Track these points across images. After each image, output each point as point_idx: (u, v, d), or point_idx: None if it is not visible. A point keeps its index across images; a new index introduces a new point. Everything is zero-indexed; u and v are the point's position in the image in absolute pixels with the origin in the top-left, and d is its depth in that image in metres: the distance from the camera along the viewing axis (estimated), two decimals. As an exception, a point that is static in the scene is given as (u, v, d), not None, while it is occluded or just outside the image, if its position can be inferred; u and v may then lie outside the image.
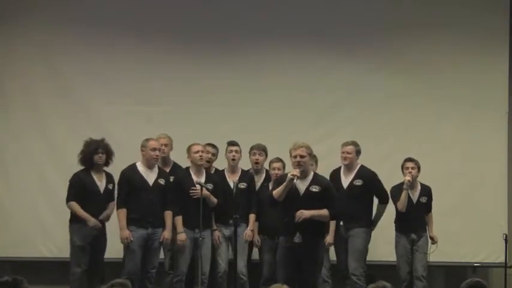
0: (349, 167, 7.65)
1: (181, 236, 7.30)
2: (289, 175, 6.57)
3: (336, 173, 7.73)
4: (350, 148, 7.62)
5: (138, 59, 8.57)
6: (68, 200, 7.22)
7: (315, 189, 6.66)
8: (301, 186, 6.66)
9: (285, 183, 6.56)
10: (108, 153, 7.30)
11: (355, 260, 7.45)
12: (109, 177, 7.35)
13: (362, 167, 7.66)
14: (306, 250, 6.59)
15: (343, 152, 7.65)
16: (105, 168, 7.38)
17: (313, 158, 7.61)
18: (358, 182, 7.57)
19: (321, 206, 6.62)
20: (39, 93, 8.52)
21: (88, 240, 7.14)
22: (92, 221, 7.12)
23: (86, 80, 8.56)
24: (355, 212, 7.49)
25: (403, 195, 7.54)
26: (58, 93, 8.52)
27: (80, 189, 7.20)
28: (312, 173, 6.79)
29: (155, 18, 8.60)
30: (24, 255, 8.36)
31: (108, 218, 7.35)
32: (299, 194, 6.65)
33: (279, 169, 7.59)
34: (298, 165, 6.59)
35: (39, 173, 8.34)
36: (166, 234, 7.27)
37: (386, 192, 7.67)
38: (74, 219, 7.21)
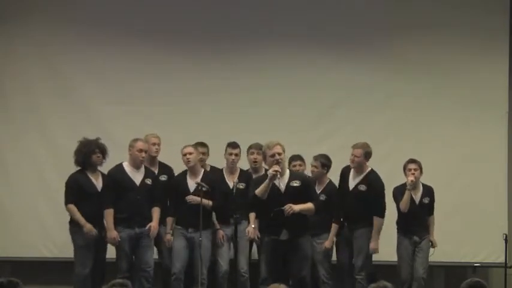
0: (357, 170, 7.53)
1: (166, 237, 7.36)
2: (270, 171, 6.61)
3: (346, 170, 7.63)
4: (358, 151, 7.45)
5: (138, 59, 8.58)
6: (66, 202, 7.19)
7: (295, 183, 6.71)
8: (281, 183, 6.70)
9: (267, 181, 6.62)
10: (104, 153, 7.28)
11: (361, 260, 7.43)
12: (105, 176, 7.32)
13: (371, 172, 7.50)
14: (292, 247, 6.62)
15: (351, 154, 7.52)
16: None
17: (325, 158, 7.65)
18: (362, 188, 7.47)
19: (304, 201, 6.67)
20: (39, 93, 8.52)
21: (91, 241, 7.12)
22: (87, 227, 7.07)
23: (86, 80, 8.57)
24: (359, 212, 7.42)
25: (406, 195, 7.50)
26: (58, 93, 8.53)
27: (78, 191, 7.17)
28: (288, 170, 6.84)
29: (155, 18, 8.60)
30: (24, 255, 8.36)
31: None
32: (281, 191, 6.68)
33: None
34: (277, 163, 6.62)
35: (39, 173, 8.34)
36: (154, 224, 7.25)
37: (384, 205, 7.47)
38: (75, 220, 7.19)
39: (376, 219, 7.42)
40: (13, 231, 8.37)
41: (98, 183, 7.26)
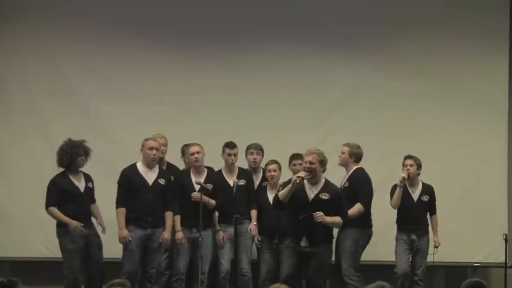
0: (346, 170, 7.57)
1: (179, 235, 7.32)
2: (294, 177, 6.59)
3: None
4: (344, 149, 7.54)
5: (138, 59, 8.58)
6: (47, 205, 7.12)
7: (324, 196, 6.67)
8: (311, 192, 6.69)
9: (289, 185, 6.59)
10: (87, 156, 7.23)
11: (345, 260, 7.40)
12: (87, 177, 7.29)
13: (356, 170, 7.50)
14: (312, 254, 6.62)
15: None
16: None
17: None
18: (346, 184, 7.47)
19: (329, 213, 6.63)
20: (39, 93, 8.51)
21: (80, 243, 7.06)
22: (73, 223, 7.01)
23: (86, 79, 8.56)
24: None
25: (397, 192, 7.52)
26: (58, 93, 8.52)
27: (60, 194, 7.09)
28: (323, 180, 6.77)
29: (155, 18, 8.60)
30: (24, 255, 8.37)
31: (103, 223, 7.34)
32: (308, 199, 6.66)
33: (274, 171, 7.61)
34: (306, 171, 6.63)
35: (39, 173, 8.29)
36: (166, 235, 7.26)
37: (367, 195, 7.39)
38: (61, 223, 7.12)
39: (358, 204, 7.27)
40: (13, 231, 8.36)
41: (81, 183, 7.20)
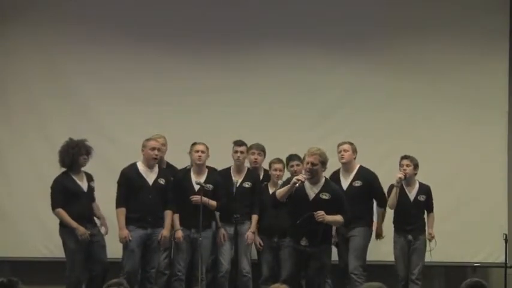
0: (347, 167, 7.61)
1: (177, 233, 7.35)
2: (294, 179, 6.59)
3: (335, 175, 7.68)
4: (346, 146, 7.60)
5: (138, 59, 8.58)
6: (54, 207, 7.11)
7: (324, 196, 6.67)
8: (311, 192, 6.68)
9: (288, 186, 6.59)
10: (89, 155, 7.23)
11: (355, 258, 7.45)
12: (89, 176, 7.30)
13: (361, 167, 7.64)
14: (312, 254, 6.61)
15: (339, 152, 7.62)
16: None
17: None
18: (358, 183, 7.53)
19: (330, 213, 6.62)
20: (39, 93, 8.52)
21: (85, 243, 7.06)
22: (80, 230, 7.00)
23: (85, 80, 8.57)
24: (355, 212, 7.40)
25: (393, 192, 7.52)
26: (58, 93, 8.52)
27: (65, 193, 7.09)
28: (323, 180, 6.77)
29: (155, 18, 8.60)
30: (24, 255, 8.37)
31: (106, 225, 7.35)
32: (308, 199, 6.65)
33: (280, 170, 7.62)
34: (307, 171, 6.61)
35: (39, 173, 8.31)
36: (165, 232, 7.27)
37: (384, 195, 7.62)
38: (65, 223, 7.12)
39: (379, 210, 7.61)
40: (13, 231, 8.37)
41: (83, 183, 7.21)
